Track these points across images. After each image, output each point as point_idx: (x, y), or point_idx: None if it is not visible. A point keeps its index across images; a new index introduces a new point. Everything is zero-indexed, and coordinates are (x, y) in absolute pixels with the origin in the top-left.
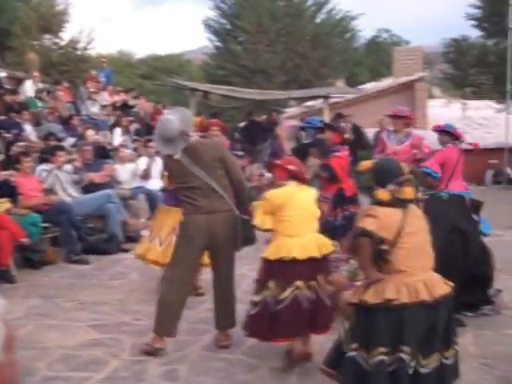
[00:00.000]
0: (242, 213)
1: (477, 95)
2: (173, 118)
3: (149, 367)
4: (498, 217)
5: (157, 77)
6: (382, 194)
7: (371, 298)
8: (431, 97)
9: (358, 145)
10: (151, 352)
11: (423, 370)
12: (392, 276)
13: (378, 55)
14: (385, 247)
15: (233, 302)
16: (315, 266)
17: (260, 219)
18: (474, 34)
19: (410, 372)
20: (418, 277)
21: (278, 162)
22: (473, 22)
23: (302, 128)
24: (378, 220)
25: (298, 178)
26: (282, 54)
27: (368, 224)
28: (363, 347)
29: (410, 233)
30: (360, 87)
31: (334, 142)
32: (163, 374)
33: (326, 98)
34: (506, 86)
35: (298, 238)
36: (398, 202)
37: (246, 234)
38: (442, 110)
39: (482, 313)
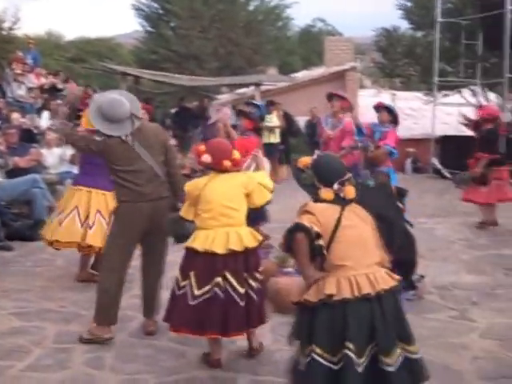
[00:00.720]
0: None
1: (405, 86)
2: (123, 100)
3: (73, 355)
4: (422, 206)
5: (87, 60)
6: (326, 193)
7: (313, 296)
8: (362, 87)
9: (289, 133)
10: (100, 342)
11: (390, 369)
12: (332, 272)
13: (311, 44)
14: (321, 242)
15: (159, 290)
16: (218, 262)
17: (184, 210)
18: (405, 25)
19: (360, 370)
20: (360, 271)
21: (201, 147)
22: (403, 14)
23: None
24: (315, 216)
25: (215, 168)
26: (214, 40)
27: (304, 219)
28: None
29: (348, 226)
30: (292, 75)
31: (246, 128)
32: (88, 362)
33: (257, 85)
34: (433, 78)
35: (207, 230)
36: (340, 201)
37: (180, 230)
38: (372, 99)
39: (405, 298)
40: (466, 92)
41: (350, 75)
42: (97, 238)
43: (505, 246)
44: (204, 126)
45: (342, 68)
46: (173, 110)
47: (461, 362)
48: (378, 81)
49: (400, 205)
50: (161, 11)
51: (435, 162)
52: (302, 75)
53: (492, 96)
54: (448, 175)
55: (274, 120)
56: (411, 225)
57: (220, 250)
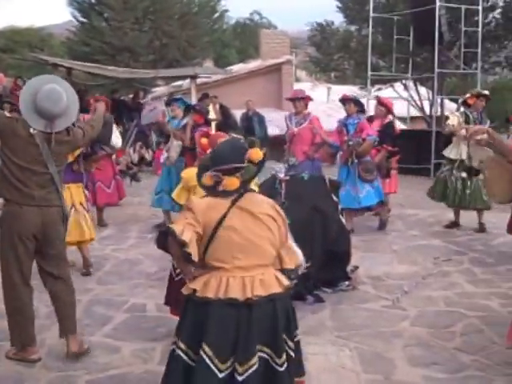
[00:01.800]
0: None
1: (340, 80)
2: (62, 92)
3: (2, 353)
4: None
5: (16, 50)
6: (206, 178)
7: (184, 289)
8: (298, 80)
9: (226, 126)
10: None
11: (240, 378)
12: (209, 270)
13: (247, 37)
14: (189, 250)
15: (74, 308)
16: None
17: (177, 194)
18: (340, 19)
19: (220, 375)
20: (237, 274)
21: (204, 140)
22: (337, 8)
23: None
24: (195, 215)
25: None
26: (149, 32)
27: (181, 220)
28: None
29: (231, 227)
30: (228, 68)
31: (198, 123)
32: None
33: (193, 77)
34: (367, 73)
35: None
36: (215, 191)
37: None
38: (308, 93)
39: (340, 289)
40: (398, 86)
41: (285, 68)
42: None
43: (434, 237)
44: (139, 119)
45: (277, 61)
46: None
47: (393, 349)
48: (313, 74)
49: (334, 197)
50: (94, 1)
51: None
52: (237, 68)
53: (423, 90)
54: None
55: (209, 113)
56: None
57: None
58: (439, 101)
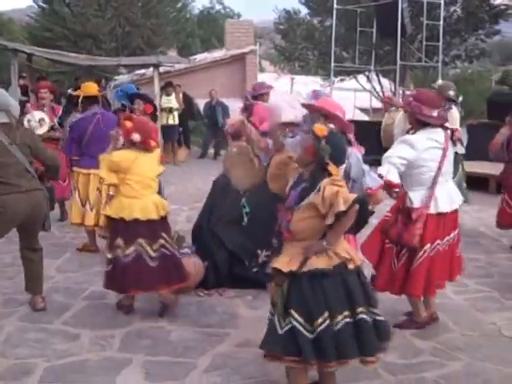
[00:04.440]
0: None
1: (304, 70)
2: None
3: None
4: None
5: None
6: (336, 171)
7: (323, 263)
8: (262, 70)
9: (189, 115)
10: None
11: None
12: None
13: (210, 27)
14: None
15: (42, 267)
16: (156, 227)
17: (106, 174)
18: (304, 11)
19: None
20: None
21: (128, 124)
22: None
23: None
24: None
25: (141, 147)
26: (111, 19)
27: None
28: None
29: None
30: (192, 58)
31: (146, 112)
32: None
33: (156, 66)
34: (330, 64)
35: (138, 200)
36: None
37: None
38: (272, 83)
39: None
40: (361, 78)
41: (249, 58)
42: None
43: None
44: (103, 106)
45: (242, 51)
46: (69, 90)
47: None
48: (277, 64)
49: None
50: None
51: None
52: (201, 58)
53: (385, 82)
54: None
55: (172, 102)
56: None
57: (155, 216)
58: (401, 92)
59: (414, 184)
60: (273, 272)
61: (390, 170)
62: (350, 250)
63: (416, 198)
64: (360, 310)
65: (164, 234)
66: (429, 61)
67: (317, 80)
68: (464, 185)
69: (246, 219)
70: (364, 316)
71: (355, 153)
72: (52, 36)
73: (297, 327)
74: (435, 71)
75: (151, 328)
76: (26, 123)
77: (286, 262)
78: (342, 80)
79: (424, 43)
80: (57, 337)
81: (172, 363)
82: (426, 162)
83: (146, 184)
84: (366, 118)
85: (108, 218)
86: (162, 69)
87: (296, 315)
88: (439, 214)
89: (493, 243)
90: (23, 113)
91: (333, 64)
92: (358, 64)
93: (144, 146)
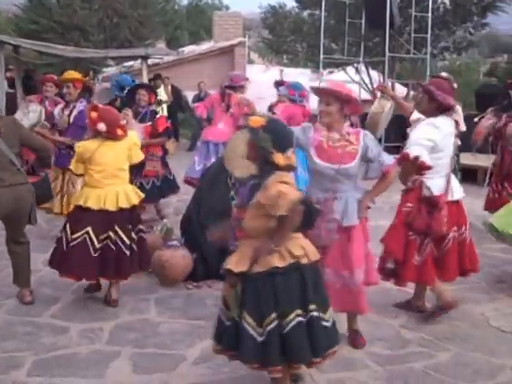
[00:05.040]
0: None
1: (293, 63)
2: None
3: None
4: None
5: None
6: (281, 159)
7: (278, 261)
8: (250, 62)
9: (177, 107)
10: None
11: (327, 324)
12: (291, 240)
13: (199, 19)
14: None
15: (29, 260)
16: (110, 218)
17: (74, 165)
18: (291, 3)
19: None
20: (305, 240)
21: (93, 114)
22: None
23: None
24: (291, 185)
25: (108, 136)
26: (99, 11)
27: (290, 191)
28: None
29: None
30: (180, 50)
31: (151, 102)
32: None
33: (144, 58)
34: (319, 55)
35: (99, 189)
36: (289, 168)
37: (41, 192)
38: (260, 75)
39: None
40: (350, 69)
41: (238, 50)
42: None
43: (385, 218)
44: (89, 97)
45: (230, 43)
46: None
47: (339, 326)
48: (265, 57)
49: None
50: None
51: None
52: (190, 50)
53: (374, 74)
54: None
55: (161, 94)
56: None
57: (112, 207)
58: (390, 84)
59: (431, 171)
60: (225, 273)
61: (422, 151)
62: (307, 246)
63: (434, 185)
64: (312, 307)
65: (117, 227)
66: (417, 53)
67: (306, 72)
68: (459, 177)
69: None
70: (315, 313)
71: (368, 133)
72: (39, 28)
73: (246, 329)
74: (424, 63)
75: (140, 320)
76: (20, 115)
77: (236, 263)
78: (330, 72)
79: (413, 35)
80: (45, 330)
81: (161, 355)
82: (445, 147)
83: (110, 174)
84: None
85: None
86: (150, 61)
87: (248, 317)
88: (453, 202)
89: (482, 234)
90: (14, 105)
91: (322, 56)
92: (346, 56)
93: (110, 136)
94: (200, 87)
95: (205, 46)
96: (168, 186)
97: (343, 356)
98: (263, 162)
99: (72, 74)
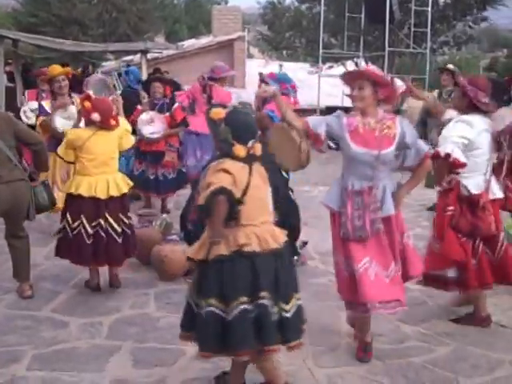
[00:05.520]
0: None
1: (292, 57)
2: None
3: None
4: (307, 174)
5: None
6: (241, 150)
7: (223, 250)
8: (250, 57)
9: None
10: None
11: (287, 315)
12: (239, 229)
13: (197, 13)
14: (239, 207)
15: (29, 255)
16: (100, 205)
17: (63, 152)
18: None
19: (275, 318)
20: (263, 228)
21: (87, 104)
22: None
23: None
24: (232, 175)
25: (102, 126)
26: (98, 5)
27: (224, 181)
28: (220, 300)
29: (255, 187)
30: (180, 44)
31: (166, 95)
32: None
33: (144, 52)
34: (318, 50)
35: (89, 177)
36: (252, 159)
37: (40, 202)
38: (260, 69)
39: None
40: (349, 64)
41: (237, 45)
42: None
43: None
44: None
45: (229, 37)
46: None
47: (339, 322)
48: (265, 51)
49: (284, 173)
50: None
51: None
52: (189, 44)
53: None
54: (332, 145)
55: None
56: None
57: (103, 195)
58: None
59: (468, 169)
60: (188, 259)
61: (454, 148)
62: (263, 234)
63: (471, 184)
64: (263, 294)
65: (107, 215)
66: (417, 47)
67: (305, 66)
68: None
69: None
70: (266, 301)
71: (404, 119)
72: (37, 22)
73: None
74: (423, 58)
75: (139, 315)
76: (21, 114)
77: (195, 250)
78: (330, 67)
79: (412, 29)
80: (45, 324)
81: (161, 350)
82: (481, 144)
83: (101, 162)
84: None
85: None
86: (149, 55)
87: (202, 302)
88: (494, 201)
89: None
90: (13, 99)
91: (321, 51)
92: (346, 50)
93: (103, 126)
94: (199, 81)
95: (204, 41)
96: (183, 177)
97: (343, 351)
98: (225, 153)
99: (58, 69)
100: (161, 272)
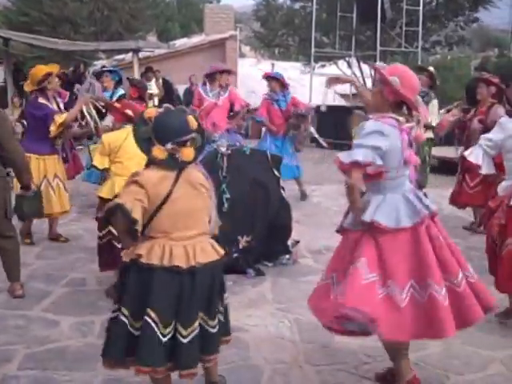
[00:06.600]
0: (22, 187)
1: (284, 56)
2: None
3: None
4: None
5: None
6: (159, 152)
7: (126, 256)
8: (242, 55)
9: (168, 100)
10: None
11: (184, 340)
12: (148, 239)
13: (189, 11)
14: (137, 228)
15: (19, 254)
16: None
17: (98, 160)
18: None
19: (164, 339)
20: (179, 242)
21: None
22: None
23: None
24: (143, 189)
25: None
26: (89, 3)
27: (130, 195)
28: (119, 304)
29: (177, 199)
30: (171, 43)
31: (131, 97)
32: None
33: (136, 51)
34: (310, 49)
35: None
36: (174, 163)
37: (23, 211)
38: (252, 68)
39: (281, 262)
40: (341, 63)
41: (229, 44)
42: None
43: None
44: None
45: (221, 36)
46: None
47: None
48: (257, 50)
49: (276, 172)
50: None
51: (312, 130)
52: (181, 43)
53: (366, 68)
54: (325, 144)
55: (152, 87)
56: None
57: None
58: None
59: (507, 172)
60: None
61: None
62: (157, 248)
63: (502, 187)
64: (149, 312)
65: None
66: (409, 46)
67: (297, 65)
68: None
69: (226, 205)
70: (149, 320)
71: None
72: (29, 20)
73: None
74: (415, 57)
75: None
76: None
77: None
78: (322, 66)
79: (404, 28)
80: (37, 323)
81: None
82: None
83: (137, 162)
84: (345, 103)
85: (101, 199)
86: (141, 54)
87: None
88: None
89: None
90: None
91: (313, 49)
92: (338, 49)
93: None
94: (191, 80)
95: (196, 40)
96: None
97: (335, 348)
98: (150, 159)
99: (44, 69)
100: None
